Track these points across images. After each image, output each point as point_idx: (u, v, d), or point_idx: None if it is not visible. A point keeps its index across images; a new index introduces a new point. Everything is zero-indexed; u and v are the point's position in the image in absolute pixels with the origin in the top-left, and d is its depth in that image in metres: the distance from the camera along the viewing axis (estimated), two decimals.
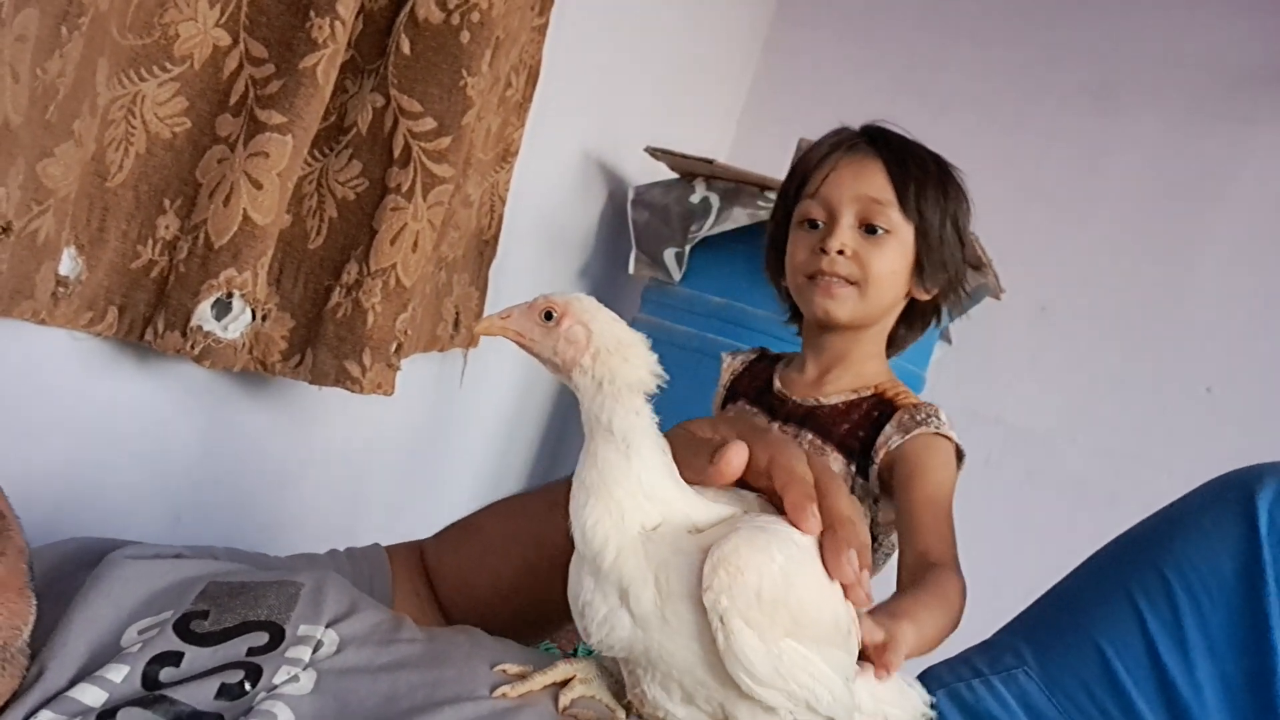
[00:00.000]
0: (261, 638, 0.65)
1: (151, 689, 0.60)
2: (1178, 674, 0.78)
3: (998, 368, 2.49)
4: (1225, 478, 0.85)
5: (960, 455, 1.11)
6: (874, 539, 1.17)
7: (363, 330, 1.18)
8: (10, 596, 0.60)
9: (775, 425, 1.20)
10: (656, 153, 2.07)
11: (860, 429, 1.15)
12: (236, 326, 1.08)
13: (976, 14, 2.69)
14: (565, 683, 0.67)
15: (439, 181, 1.20)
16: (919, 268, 1.17)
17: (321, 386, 1.20)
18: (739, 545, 0.58)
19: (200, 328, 1.04)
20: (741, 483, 0.69)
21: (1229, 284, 2.38)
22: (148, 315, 1.06)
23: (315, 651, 0.66)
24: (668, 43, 2.36)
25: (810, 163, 1.20)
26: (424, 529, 1.00)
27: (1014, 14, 2.65)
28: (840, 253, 1.14)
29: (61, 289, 0.95)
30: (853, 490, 1.14)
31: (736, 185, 1.96)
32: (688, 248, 2.00)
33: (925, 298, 1.21)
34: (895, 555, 1.09)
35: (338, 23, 1.06)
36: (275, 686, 0.61)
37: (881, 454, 1.11)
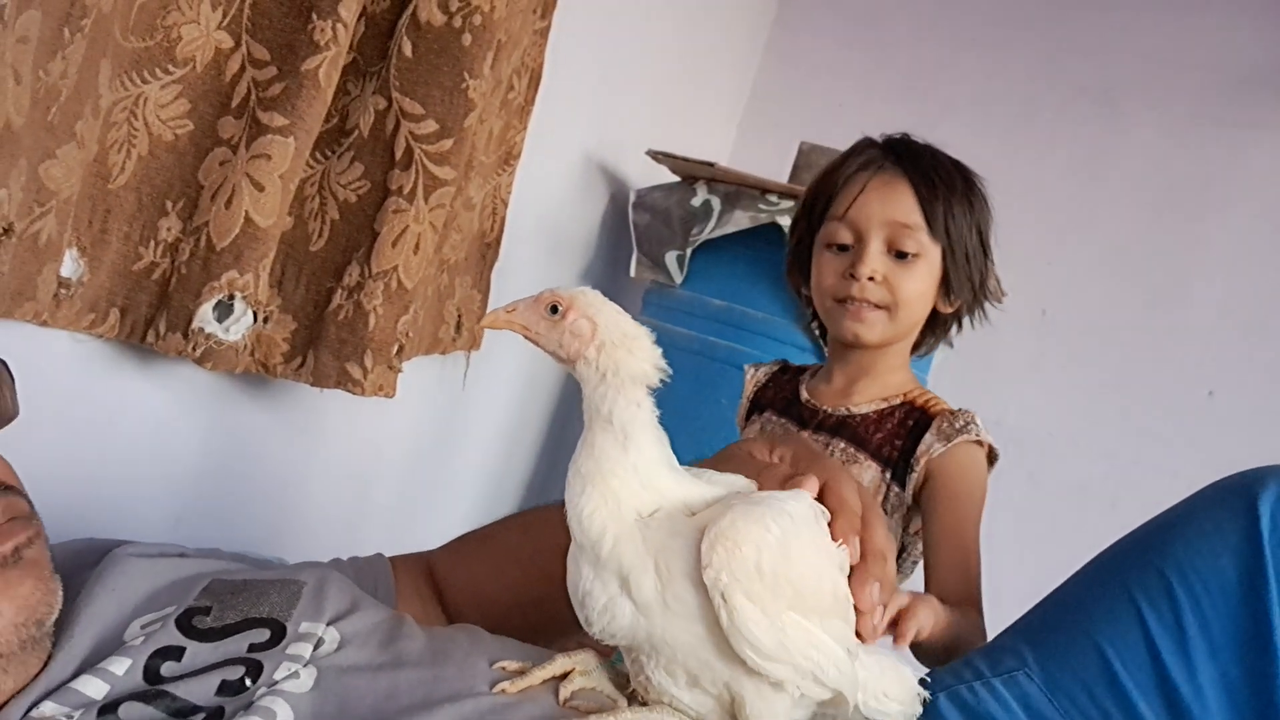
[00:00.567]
0: (263, 634, 0.66)
1: (153, 683, 0.60)
2: (1179, 676, 0.77)
3: (999, 371, 2.48)
4: (1227, 480, 0.85)
5: (993, 458, 1.14)
6: (903, 548, 1.18)
7: (364, 332, 1.18)
8: (45, 576, 0.62)
9: (806, 434, 1.21)
10: (658, 156, 2.08)
11: (896, 438, 1.16)
12: (238, 328, 1.08)
13: (977, 19, 2.69)
14: (565, 676, 0.67)
15: (440, 184, 1.20)
16: (945, 283, 1.18)
17: (323, 389, 1.20)
18: (735, 520, 0.59)
19: (202, 330, 1.04)
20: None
21: (1230, 288, 2.38)
22: (149, 317, 1.06)
23: (316, 649, 0.66)
24: (669, 46, 2.36)
25: (836, 181, 1.19)
26: (426, 530, 1.00)
27: (1015, 18, 2.65)
28: (870, 278, 1.14)
29: (63, 291, 0.96)
30: (885, 501, 1.15)
31: (737, 188, 1.96)
32: (689, 250, 2.00)
33: (949, 311, 1.22)
34: (922, 565, 1.11)
35: (340, 25, 1.06)
36: (276, 683, 0.62)
37: (923, 462, 1.12)
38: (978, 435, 1.12)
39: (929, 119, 2.32)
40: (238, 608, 0.68)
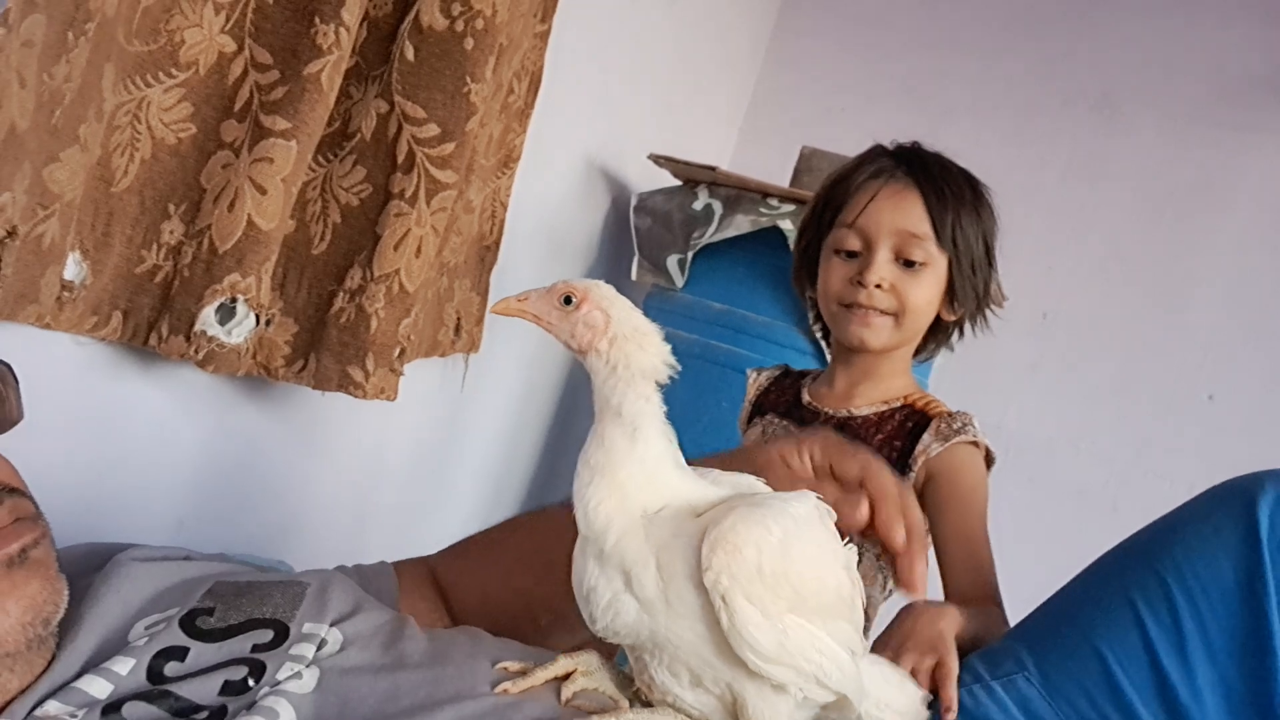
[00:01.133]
0: (266, 635, 0.66)
1: (157, 682, 0.61)
2: (1178, 680, 0.78)
3: (1000, 375, 2.49)
4: (1226, 485, 0.85)
5: (991, 460, 1.15)
6: None
7: (366, 335, 1.18)
8: (51, 576, 0.63)
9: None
10: (659, 160, 2.08)
11: (896, 439, 1.17)
12: (240, 331, 1.08)
13: (977, 23, 2.69)
14: (567, 677, 0.67)
15: (442, 187, 1.20)
16: (950, 292, 1.20)
17: (324, 391, 1.20)
18: (735, 523, 0.59)
19: (204, 332, 1.04)
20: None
21: (1230, 291, 2.38)
22: (152, 320, 1.06)
23: (319, 649, 0.66)
24: (670, 50, 2.37)
25: (847, 188, 1.21)
26: (427, 532, 1.00)
27: (1015, 23, 2.66)
28: (878, 286, 1.16)
29: (66, 293, 0.96)
30: None
31: (739, 192, 1.96)
32: (690, 254, 2.00)
33: (952, 318, 1.24)
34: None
35: (342, 29, 1.06)
36: (279, 683, 0.62)
37: (920, 461, 1.13)
38: (974, 436, 1.14)
39: (929, 123, 2.32)
40: (241, 608, 0.69)
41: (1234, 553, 0.79)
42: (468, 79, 1.18)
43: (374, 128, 1.19)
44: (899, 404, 1.20)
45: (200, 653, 0.64)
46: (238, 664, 0.63)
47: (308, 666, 0.64)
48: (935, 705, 0.79)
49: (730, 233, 1.93)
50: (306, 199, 1.20)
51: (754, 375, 1.36)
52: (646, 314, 0.65)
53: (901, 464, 1.15)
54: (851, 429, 1.20)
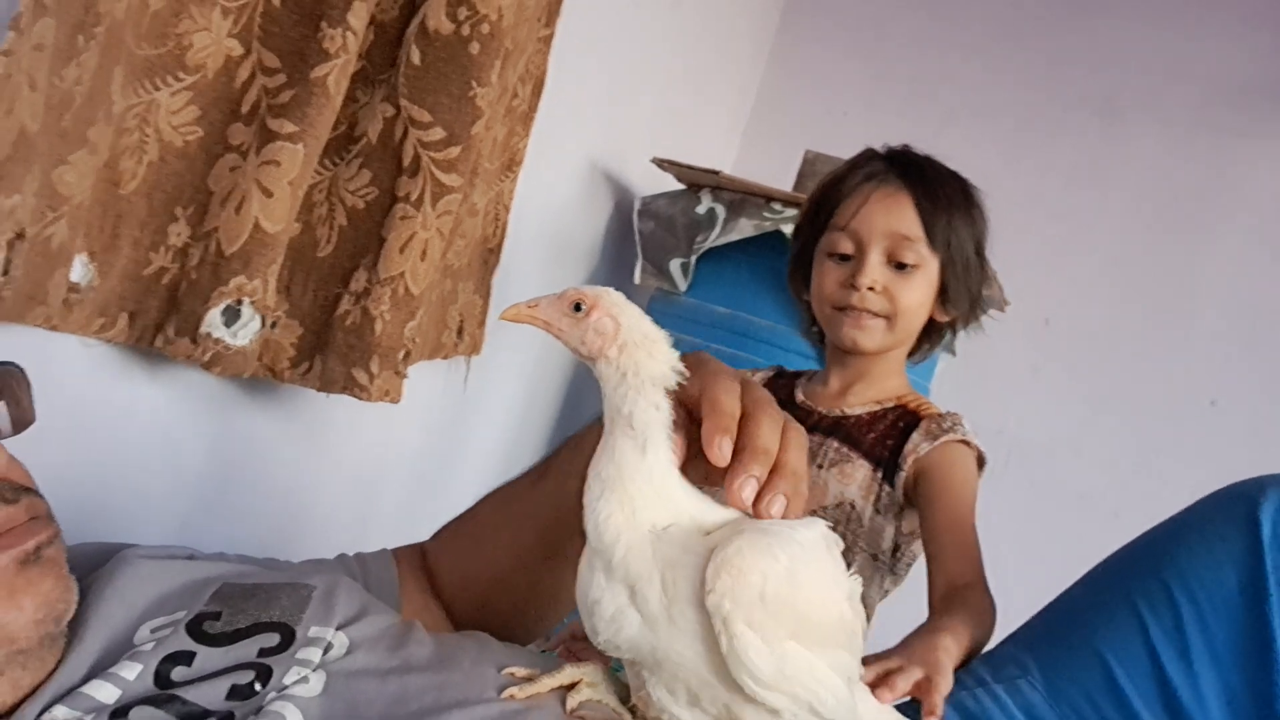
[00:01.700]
0: (273, 638, 0.66)
1: (164, 687, 0.61)
2: (1180, 684, 0.78)
3: (1001, 380, 2.49)
4: (1228, 489, 0.86)
5: (982, 462, 1.16)
6: (896, 547, 1.20)
7: (371, 338, 1.18)
8: (63, 575, 0.63)
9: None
10: (663, 163, 2.08)
11: (888, 438, 1.18)
12: (246, 333, 1.08)
13: (980, 27, 2.70)
14: (572, 686, 0.67)
15: (448, 191, 1.21)
16: (943, 293, 1.21)
17: (330, 394, 1.21)
18: (742, 548, 0.58)
19: (210, 334, 1.05)
20: None
21: (1233, 297, 2.39)
22: (158, 322, 1.07)
23: (325, 653, 0.67)
24: (673, 54, 2.37)
25: (840, 192, 1.22)
26: (430, 534, 1.01)
27: (1018, 27, 2.66)
28: (870, 288, 1.17)
29: (74, 295, 0.96)
30: (878, 500, 1.16)
31: (742, 196, 1.97)
32: (693, 258, 2.01)
33: (945, 320, 1.25)
34: (919, 563, 1.12)
35: (349, 33, 1.07)
36: (285, 687, 0.62)
37: (910, 460, 1.14)
38: (963, 435, 1.14)
39: (932, 128, 2.33)
40: (248, 612, 0.69)
41: (1236, 557, 0.79)
42: (473, 83, 1.19)
43: (380, 131, 1.20)
44: (892, 404, 1.22)
45: (207, 657, 0.64)
46: (244, 668, 0.63)
47: (314, 670, 0.64)
48: (918, 707, 0.79)
49: (733, 236, 1.93)
50: (313, 202, 1.20)
51: (747, 376, 1.37)
52: (650, 318, 0.65)
53: (893, 462, 1.16)
54: (844, 428, 1.21)
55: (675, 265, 2.03)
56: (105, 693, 0.60)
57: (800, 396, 1.28)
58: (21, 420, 0.69)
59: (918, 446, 1.14)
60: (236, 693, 0.61)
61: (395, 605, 0.89)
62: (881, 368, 1.23)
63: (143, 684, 0.61)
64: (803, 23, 2.92)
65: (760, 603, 0.57)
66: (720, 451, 0.59)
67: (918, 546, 1.17)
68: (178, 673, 0.62)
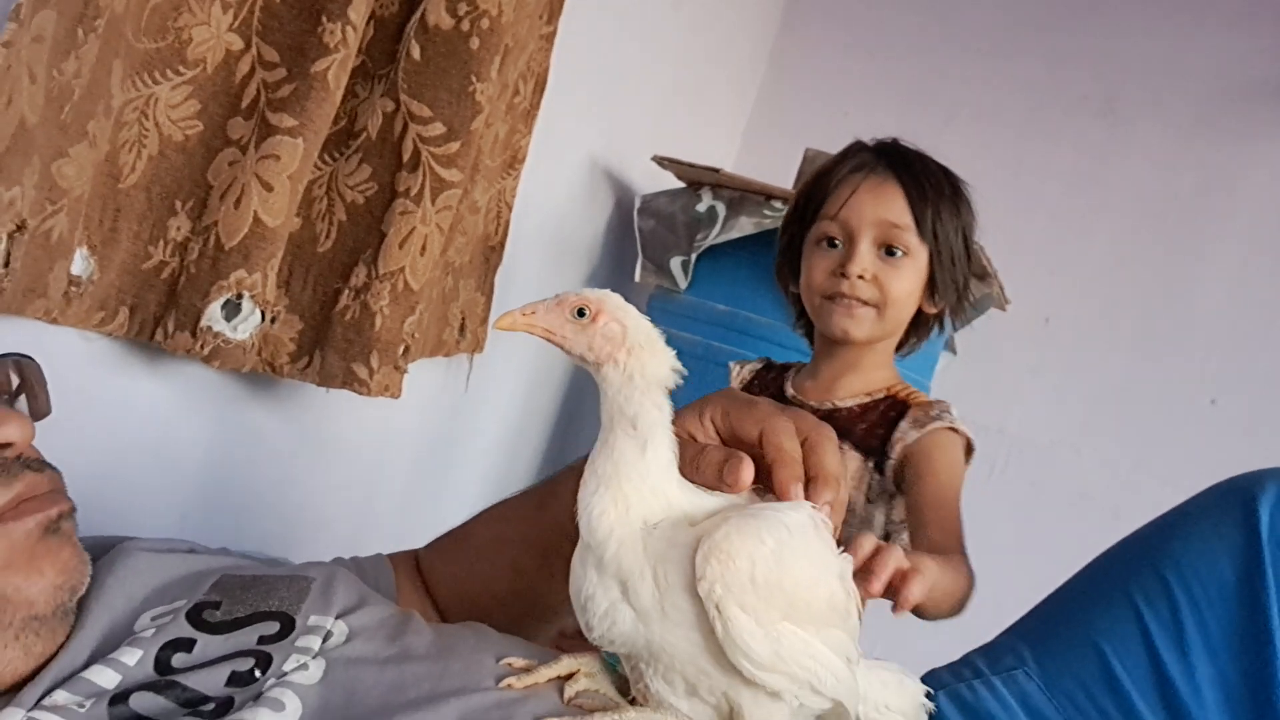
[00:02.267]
0: (272, 626, 0.67)
1: (164, 673, 0.61)
2: (1177, 676, 0.78)
3: (1002, 378, 2.49)
4: (1226, 483, 0.86)
5: (970, 450, 1.16)
6: (887, 536, 1.20)
7: (370, 333, 1.19)
8: (78, 548, 0.65)
9: None
10: (663, 161, 2.09)
11: (878, 428, 1.18)
12: (246, 328, 1.09)
13: (982, 26, 2.70)
14: (570, 677, 0.68)
15: (447, 186, 1.21)
16: (931, 284, 1.22)
17: (329, 389, 1.21)
18: (729, 533, 0.59)
19: (210, 328, 1.05)
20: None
21: (1233, 296, 2.39)
22: (158, 315, 1.07)
23: (325, 641, 0.67)
24: (674, 52, 2.38)
25: (828, 183, 1.22)
26: (430, 531, 1.01)
27: (1019, 26, 2.66)
28: (860, 276, 1.17)
29: (74, 288, 0.96)
30: (869, 488, 1.17)
31: (742, 194, 1.97)
32: (694, 256, 2.01)
33: (933, 311, 1.25)
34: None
35: (349, 28, 1.07)
36: (285, 674, 0.62)
37: (898, 448, 1.15)
38: (951, 423, 1.15)
39: (933, 127, 2.33)
40: (247, 602, 0.69)
41: (1234, 550, 0.79)
42: (473, 78, 1.19)
43: (380, 126, 1.20)
44: (881, 395, 1.22)
45: (207, 644, 0.65)
46: (244, 655, 0.64)
47: (314, 658, 0.65)
48: (936, 698, 0.80)
49: (734, 234, 1.94)
50: (312, 196, 1.20)
51: (736, 368, 1.38)
52: (650, 316, 0.65)
53: (882, 450, 1.16)
54: (835, 420, 1.19)
55: (675, 263, 2.04)
56: (106, 678, 0.60)
57: (790, 390, 1.28)
58: (38, 412, 0.71)
59: (905, 434, 1.15)
60: (236, 679, 0.62)
61: None
62: (870, 359, 1.23)
63: (143, 670, 0.61)
64: (804, 22, 2.92)
65: (751, 586, 0.58)
66: (795, 496, 0.66)
67: (908, 535, 1.17)
68: (178, 659, 0.63)
